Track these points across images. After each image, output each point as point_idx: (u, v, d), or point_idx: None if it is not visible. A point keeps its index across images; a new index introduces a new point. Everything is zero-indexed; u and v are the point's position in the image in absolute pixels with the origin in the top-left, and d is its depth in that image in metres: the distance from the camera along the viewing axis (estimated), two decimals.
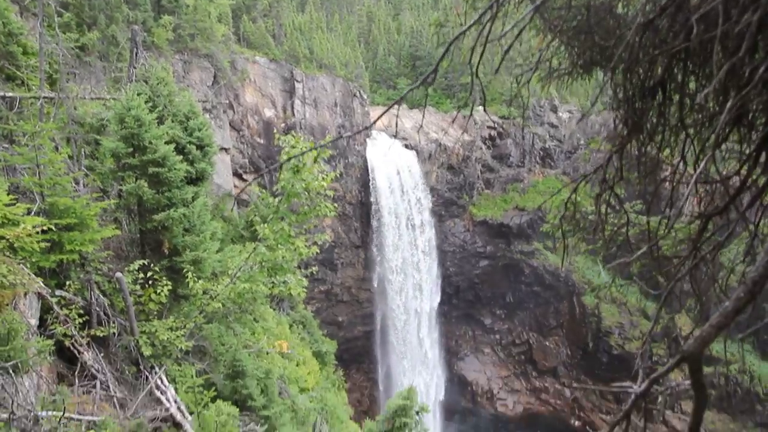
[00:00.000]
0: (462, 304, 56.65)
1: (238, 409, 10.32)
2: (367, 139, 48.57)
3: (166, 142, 12.90)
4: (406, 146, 49.81)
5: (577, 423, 51.03)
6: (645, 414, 3.10)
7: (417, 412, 10.74)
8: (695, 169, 2.52)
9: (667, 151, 2.73)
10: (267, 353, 17.65)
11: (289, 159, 9.03)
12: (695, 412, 2.86)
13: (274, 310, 26.51)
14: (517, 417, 53.74)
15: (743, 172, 2.34)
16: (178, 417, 9.25)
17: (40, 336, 9.21)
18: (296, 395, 17.95)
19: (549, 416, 52.48)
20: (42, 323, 9.54)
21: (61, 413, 8.05)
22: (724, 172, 2.46)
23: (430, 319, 52.17)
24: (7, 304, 8.72)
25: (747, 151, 2.34)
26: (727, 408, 44.17)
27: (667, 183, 2.76)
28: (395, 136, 49.71)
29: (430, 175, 51.90)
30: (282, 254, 13.31)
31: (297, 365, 22.42)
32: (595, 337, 51.74)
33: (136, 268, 11.08)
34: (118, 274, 10.25)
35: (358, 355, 52.17)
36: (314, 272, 27.31)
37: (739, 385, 44.99)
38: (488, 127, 54.98)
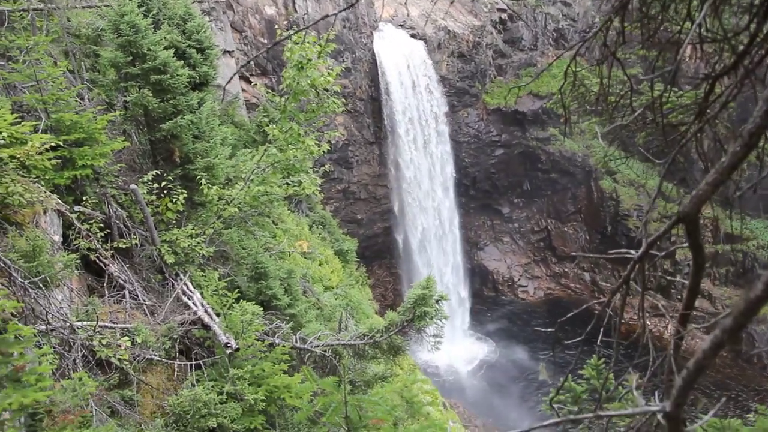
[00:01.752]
0: (479, 195, 56.84)
1: (262, 309, 10.69)
2: (374, 32, 46.97)
3: (165, 48, 12.58)
4: (413, 36, 48.16)
5: (596, 305, 52.47)
6: (643, 279, 3.14)
7: (437, 301, 11.00)
8: (701, 27, 2.36)
9: (672, 8, 2.55)
10: (288, 254, 18.06)
11: (287, 37, 8.75)
12: (693, 273, 2.88)
13: (293, 212, 26.85)
14: (538, 302, 55.21)
15: (752, 27, 2.18)
16: (206, 319, 9.64)
17: (65, 251, 9.47)
18: (321, 293, 18.51)
19: (569, 300, 53.77)
20: (65, 239, 9.77)
21: (95, 322, 8.43)
22: (732, 29, 2.31)
23: (450, 211, 52.59)
24: (29, 223, 8.91)
25: (756, 3, 2.16)
26: (744, 284, 44.94)
27: (672, 44, 2.61)
28: (402, 26, 47.96)
29: (440, 65, 50.51)
30: (293, 154, 13.30)
31: (319, 264, 22.98)
32: (614, 220, 51.99)
33: (150, 179, 11.15)
34: (133, 186, 10.34)
35: (379, 251, 53.25)
36: (328, 170, 27.43)
37: (756, 261, 45.49)
38: (498, 9, 52.67)
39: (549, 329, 44.93)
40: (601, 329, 4.38)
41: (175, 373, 8.99)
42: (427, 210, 50.82)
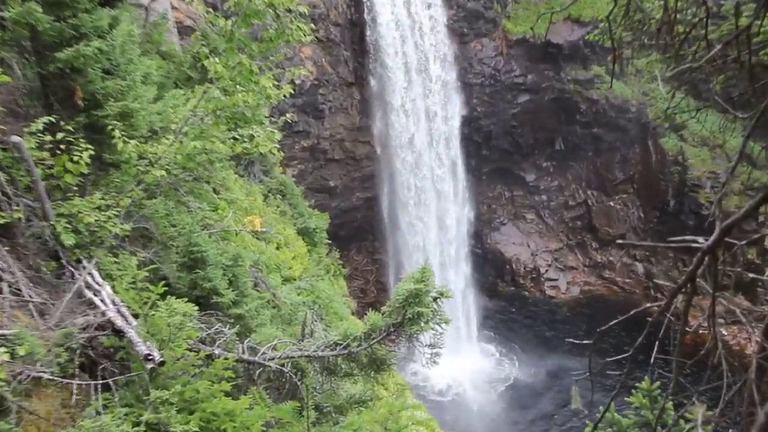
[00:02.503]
0: (495, 156, 56.95)
1: (198, 308, 10.61)
2: None
3: None
4: None
5: (652, 309, 53.00)
6: (715, 275, 3.10)
7: (435, 298, 10.96)
8: None
9: None
10: (235, 234, 17.97)
11: None
12: None
13: (242, 176, 26.69)
14: (572, 302, 55.56)
15: None
16: (119, 322, 9.53)
17: None
18: (278, 286, 18.47)
19: (614, 300, 54.17)
20: None
21: None
22: None
23: (455, 178, 52.69)
24: None
25: None
26: None
27: None
28: None
29: None
30: (243, 99, 13.18)
31: (277, 248, 22.92)
32: (679, 192, 52.43)
33: (41, 129, 10.93)
34: (15, 138, 10.15)
35: (358, 230, 53.40)
36: (291, 121, 27.20)
37: None
38: None
39: (586, 341, 45.46)
40: (657, 342, 4.37)
41: (74, 396, 8.89)
42: (424, 176, 50.87)
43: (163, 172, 12.51)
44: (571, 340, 39.49)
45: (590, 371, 5.03)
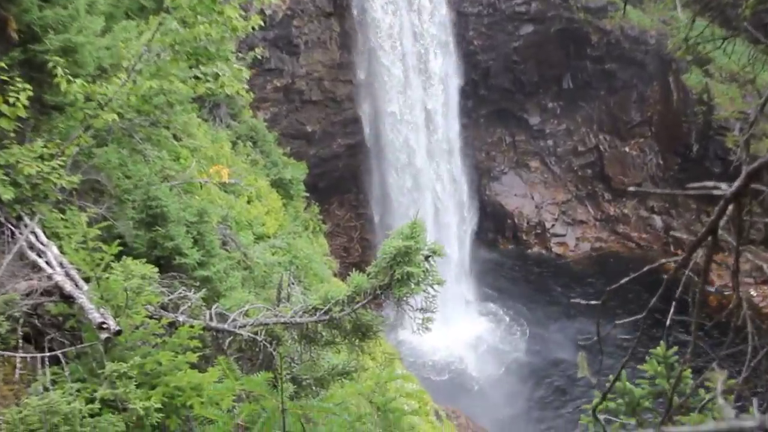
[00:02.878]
0: (494, 96, 56.77)
1: (158, 270, 10.61)
2: None
3: None
4: None
5: (668, 265, 53.28)
6: (739, 226, 3.11)
7: (427, 257, 11.01)
8: None
9: None
10: (200, 186, 17.94)
11: None
12: None
13: (206, 121, 26.54)
14: (581, 260, 55.85)
15: None
16: (68, 287, 9.52)
17: None
18: (249, 245, 18.52)
19: (629, 257, 54.42)
20: None
21: None
22: None
23: (449, 119, 52.49)
24: None
25: None
26: None
27: None
28: None
29: None
30: (205, 31, 13.03)
31: (248, 202, 22.91)
32: (703, 136, 52.35)
33: None
34: None
35: (340, 181, 53.34)
36: (261, 57, 26.96)
37: None
38: None
39: (593, 301, 45.70)
40: (674, 302, 4.40)
41: (17, 371, 8.92)
42: (415, 120, 50.69)
43: (115, 116, 12.38)
44: (577, 300, 39.71)
45: (598, 336, 5.07)
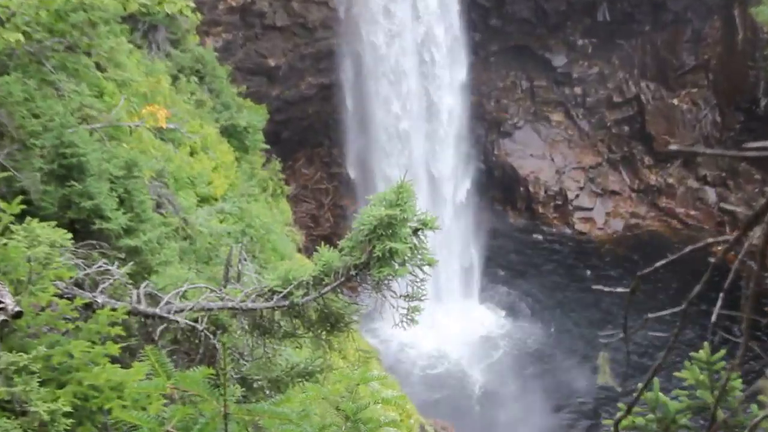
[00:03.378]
0: (510, 28, 56.55)
1: (72, 237, 10.57)
2: None
3: None
4: None
5: (720, 243, 53.13)
6: None
7: (415, 230, 10.99)
8: None
9: None
10: (129, 131, 17.84)
11: None
12: None
13: (140, 48, 26.34)
14: (611, 240, 55.76)
15: None
16: None
17: None
18: (191, 209, 18.47)
19: (673, 239, 54.16)
20: None
21: None
22: None
23: (454, 51, 52.22)
24: None
25: None
26: None
27: None
28: None
29: None
30: None
31: (191, 154, 22.83)
32: None
33: None
34: None
35: (310, 131, 53.19)
36: None
37: None
38: None
39: (620, 289, 45.52)
40: (721, 294, 4.35)
41: None
42: (406, 54, 50.47)
43: (20, 36, 12.24)
44: (599, 287, 39.59)
45: (625, 332, 5.02)
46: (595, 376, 44.54)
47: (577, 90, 58.14)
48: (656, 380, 6.40)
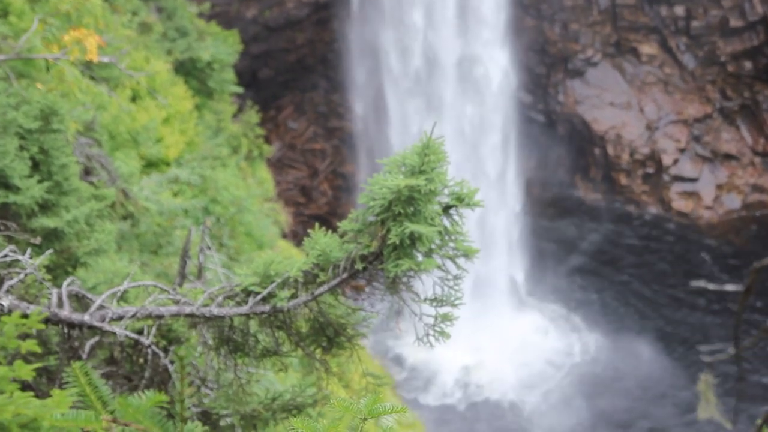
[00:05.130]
0: None
1: None
2: None
3: None
4: None
5: None
6: None
7: (448, 208, 10.96)
8: None
9: None
10: (46, 66, 17.95)
11: None
12: None
13: None
14: (722, 224, 55.69)
15: None
16: None
17: None
18: (133, 176, 18.55)
19: None
20: None
21: None
22: None
23: None
24: None
25: None
26: None
27: None
28: None
29: None
30: None
31: (132, 99, 22.91)
32: None
33: None
34: None
35: (299, 68, 53.23)
36: None
37: None
38: None
39: (730, 286, 45.52)
40: None
41: None
42: None
43: None
44: (699, 283, 39.46)
45: (736, 346, 4.97)
46: (694, 408, 44.53)
47: (678, 10, 57.71)
48: None
